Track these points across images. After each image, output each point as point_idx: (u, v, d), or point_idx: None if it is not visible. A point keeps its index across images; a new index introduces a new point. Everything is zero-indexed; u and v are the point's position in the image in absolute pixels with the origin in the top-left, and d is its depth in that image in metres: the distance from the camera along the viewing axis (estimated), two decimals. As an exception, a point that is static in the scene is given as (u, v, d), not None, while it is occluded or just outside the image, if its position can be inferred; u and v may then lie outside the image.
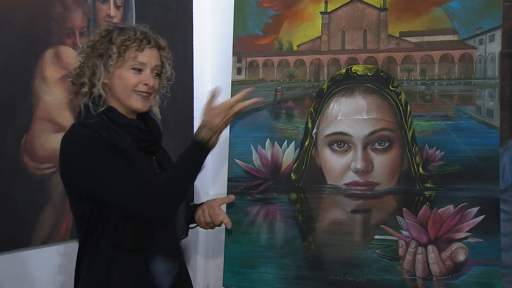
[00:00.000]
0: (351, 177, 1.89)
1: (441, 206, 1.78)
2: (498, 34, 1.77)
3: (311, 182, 1.93)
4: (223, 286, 2.01)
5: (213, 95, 1.69)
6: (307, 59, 2.00)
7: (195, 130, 1.69)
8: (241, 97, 1.74)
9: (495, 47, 1.78)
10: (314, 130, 1.95)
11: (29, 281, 1.87)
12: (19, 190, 1.84)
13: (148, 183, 1.55)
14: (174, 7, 2.47)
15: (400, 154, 1.85)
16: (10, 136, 1.81)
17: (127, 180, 1.53)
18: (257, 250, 1.96)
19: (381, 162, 1.86)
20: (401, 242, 1.81)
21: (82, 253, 1.60)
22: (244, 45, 2.07)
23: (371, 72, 1.91)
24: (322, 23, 1.99)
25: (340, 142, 1.90)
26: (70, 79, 1.64)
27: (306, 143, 1.96)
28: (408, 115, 1.85)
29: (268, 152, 1.99)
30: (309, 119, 1.96)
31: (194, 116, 2.54)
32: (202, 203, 1.90)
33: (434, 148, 1.80)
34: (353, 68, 1.93)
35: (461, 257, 1.75)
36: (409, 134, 1.84)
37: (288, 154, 1.97)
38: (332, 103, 1.93)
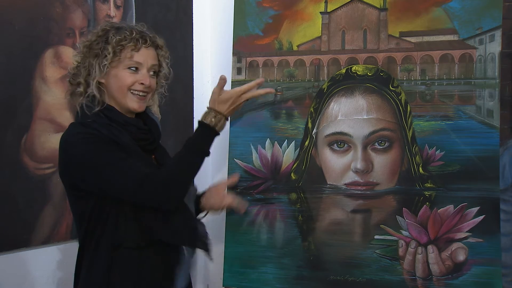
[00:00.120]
0: (351, 177, 1.89)
1: (441, 206, 1.78)
2: (498, 34, 1.77)
3: (311, 182, 1.94)
4: (223, 286, 2.02)
5: (222, 81, 1.68)
6: (307, 59, 2.00)
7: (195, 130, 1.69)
8: (252, 86, 1.72)
9: (495, 47, 1.78)
10: (314, 130, 1.95)
11: (29, 281, 1.87)
12: (19, 190, 1.84)
13: (153, 171, 1.56)
14: (174, 7, 2.47)
15: (400, 154, 1.85)
16: (10, 136, 1.81)
17: (132, 168, 1.52)
18: (257, 250, 1.96)
19: (381, 162, 1.86)
20: (401, 242, 1.81)
21: (82, 253, 1.60)
22: (244, 45, 2.07)
23: (371, 72, 1.91)
24: (322, 23, 1.99)
25: (340, 142, 1.91)
26: (68, 79, 1.64)
27: (306, 143, 1.96)
28: (408, 115, 1.85)
29: (268, 152, 1.99)
30: (309, 119, 1.96)
31: (194, 116, 2.54)
32: (204, 192, 1.87)
33: (434, 148, 1.80)
34: (353, 68, 1.93)
35: (461, 257, 1.75)
36: (409, 134, 1.84)
37: (288, 154, 1.97)
38: (332, 103, 1.93)
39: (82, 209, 1.57)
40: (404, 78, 1.87)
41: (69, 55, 1.94)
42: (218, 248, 1.89)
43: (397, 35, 1.90)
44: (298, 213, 1.94)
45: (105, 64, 1.56)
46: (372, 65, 1.91)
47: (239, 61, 2.07)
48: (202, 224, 1.71)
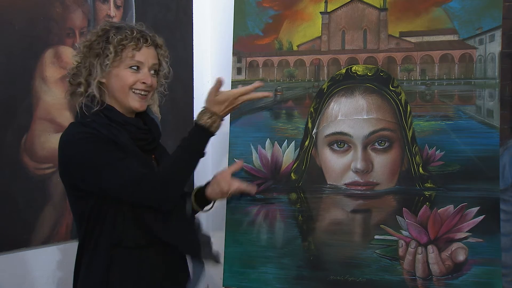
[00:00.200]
0: (351, 177, 1.89)
1: (441, 206, 1.78)
2: (498, 34, 1.77)
3: (311, 182, 1.93)
4: (223, 286, 2.01)
5: (219, 83, 1.68)
6: (307, 59, 2.00)
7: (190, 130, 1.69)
8: (250, 90, 1.73)
9: (495, 47, 1.78)
10: (314, 130, 1.95)
11: (29, 281, 1.87)
12: (19, 190, 1.84)
13: (150, 171, 1.57)
14: (174, 7, 2.48)
15: (400, 154, 1.85)
16: (10, 136, 1.81)
17: (130, 168, 1.53)
18: (257, 250, 1.96)
19: (381, 162, 1.86)
20: (401, 242, 1.81)
21: (82, 252, 1.60)
22: (244, 45, 2.07)
23: (371, 72, 1.91)
24: (322, 23, 1.98)
25: (340, 142, 1.90)
26: (68, 79, 1.64)
27: (306, 143, 1.96)
28: (408, 115, 1.85)
29: (268, 152, 1.99)
30: (309, 119, 1.96)
31: (194, 116, 2.54)
32: (208, 182, 1.86)
33: (434, 148, 1.80)
34: (353, 68, 1.93)
35: (461, 257, 1.75)
36: (409, 134, 1.84)
37: (288, 154, 1.97)
38: (332, 103, 1.93)
39: (82, 209, 1.57)
40: (404, 78, 1.87)
41: (69, 55, 1.94)
42: (218, 248, 1.89)
43: (397, 35, 1.90)
44: (298, 213, 1.94)
45: (107, 64, 1.56)
46: (372, 65, 1.91)
47: (239, 61, 2.07)
48: (200, 229, 1.72)
